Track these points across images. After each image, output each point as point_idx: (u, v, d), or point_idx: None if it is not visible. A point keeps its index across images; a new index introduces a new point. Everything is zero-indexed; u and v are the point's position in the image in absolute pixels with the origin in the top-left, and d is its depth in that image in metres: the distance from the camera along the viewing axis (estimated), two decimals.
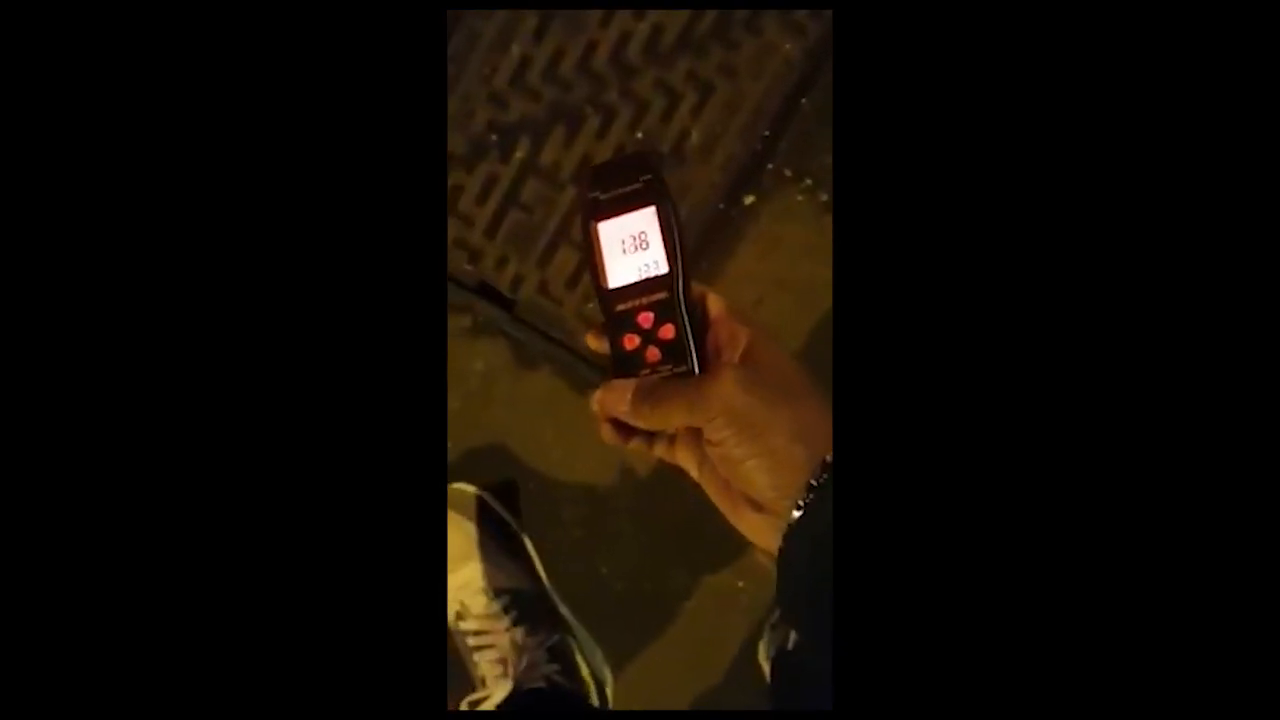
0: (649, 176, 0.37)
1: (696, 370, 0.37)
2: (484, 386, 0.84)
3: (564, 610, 0.82)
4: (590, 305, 0.78)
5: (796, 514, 0.34)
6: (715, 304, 0.39)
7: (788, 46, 0.72)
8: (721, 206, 0.76)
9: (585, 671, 0.75)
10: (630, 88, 0.73)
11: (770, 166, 0.77)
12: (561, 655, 0.72)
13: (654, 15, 0.72)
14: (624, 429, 0.38)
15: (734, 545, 0.85)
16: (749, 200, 0.77)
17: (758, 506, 0.35)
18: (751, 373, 0.35)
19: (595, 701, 0.77)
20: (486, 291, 0.79)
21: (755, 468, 0.34)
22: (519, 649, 0.70)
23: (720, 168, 0.75)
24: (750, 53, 0.73)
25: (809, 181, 0.77)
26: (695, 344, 0.37)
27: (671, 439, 0.39)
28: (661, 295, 0.37)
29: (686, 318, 0.37)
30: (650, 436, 0.39)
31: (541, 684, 0.69)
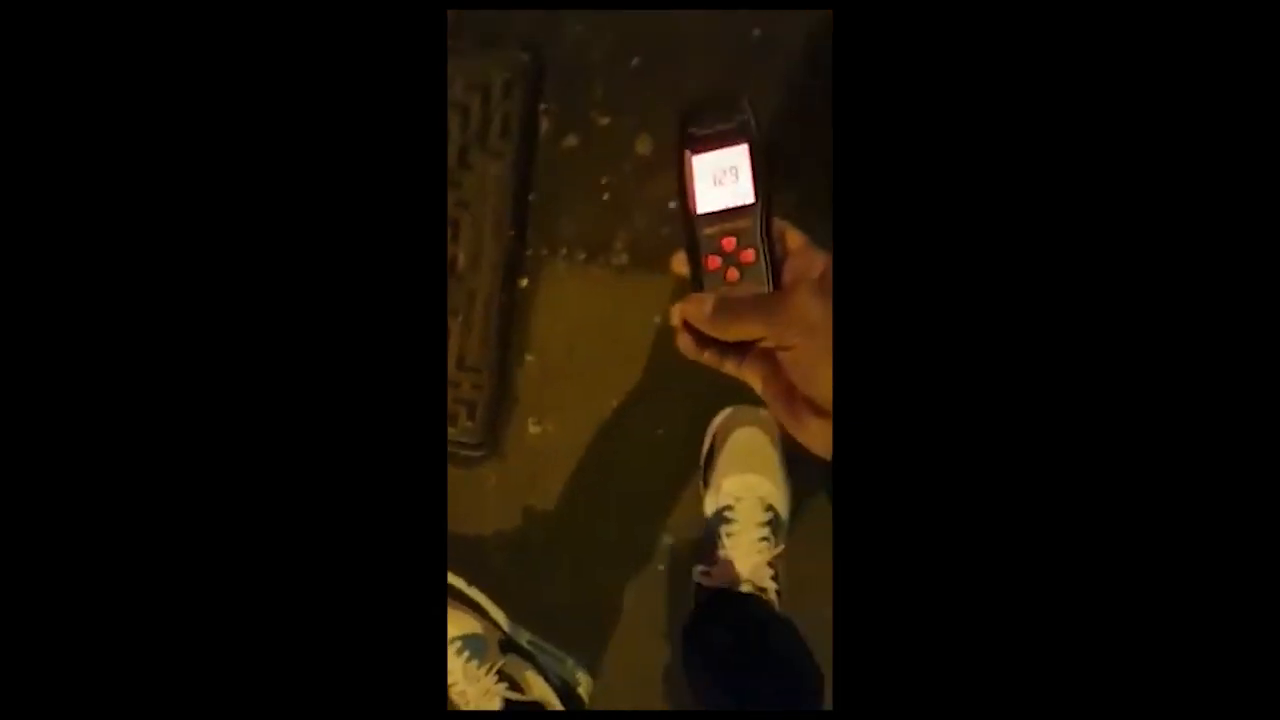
0: (743, 116, 0.40)
1: (770, 289, 0.40)
2: None
3: (524, 638, 1.02)
4: None
5: None
6: (794, 238, 0.41)
7: (494, 170, 0.92)
8: (503, 295, 0.96)
9: (537, 681, 0.95)
10: None
11: (529, 252, 0.97)
12: (508, 676, 0.92)
13: None
14: (700, 340, 0.41)
15: (628, 549, 1.05)
16: (524, 283, 0.97)
17: (820, 413, 0.38)
18: (825, 288, 0.37)
19: (558, 704, 0.97)
20: None
21: (827, 375, 0.36)
22: (472, 679, 0.90)
23: (491, 270, 0.95)
24: (473, 182, 0.93)
25: (563, 250, 0.97)
26: (772, 269, 0.40)
27: (741, 356, 0.41)
28: (745, 223, 0.40)
29: (766, 245, 0.40)
30: (722, 351, 0.41)
31: (498, 706, 0.89)
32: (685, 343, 0.41)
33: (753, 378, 0.41)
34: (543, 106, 0.93)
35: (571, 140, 0.94)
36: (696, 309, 0.40)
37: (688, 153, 0.41)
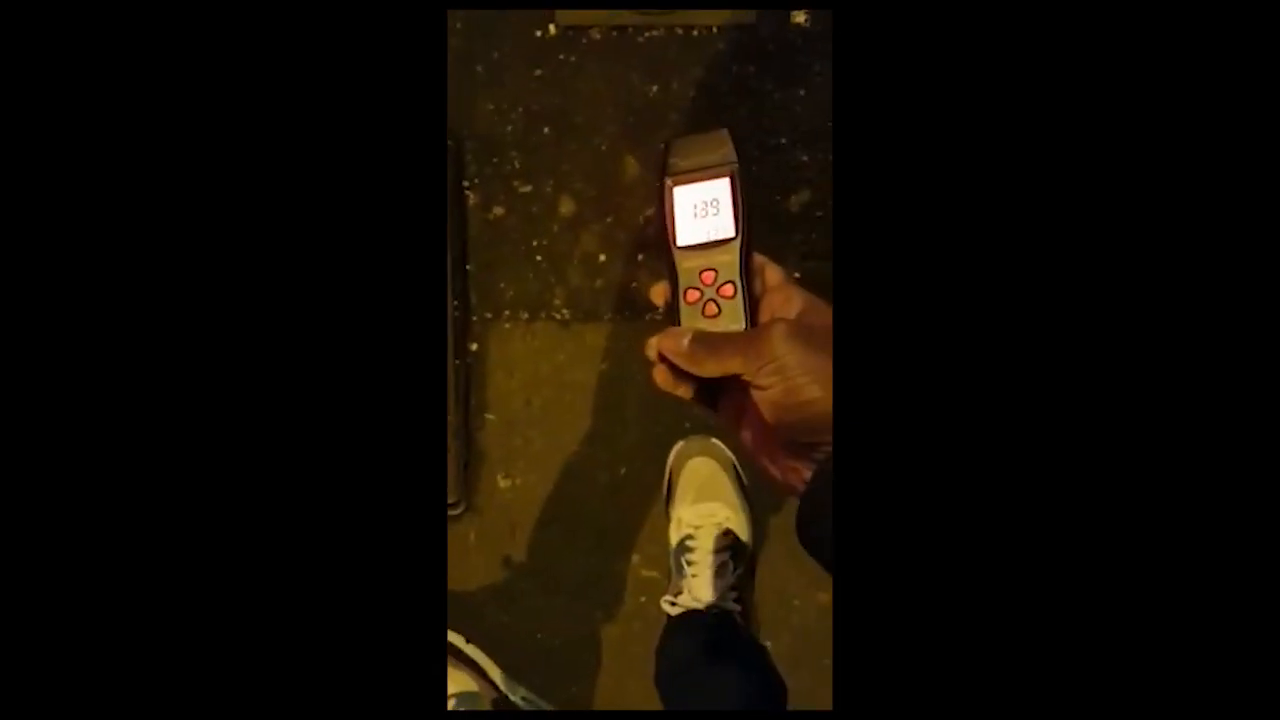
0: (726, 149, 0.41)
1: (747, 325, 0.40)
2: None
3: (519, 694, 1.06)
4: None
5: (821, 458, 0.37)
6: (773, 274, 0.41)
7: None
8: (456, 361, 1.02)
9: None
10: None
11: (474, 319, 1.02)
12: None
13: None
14: (676, 375, 0.41)
15: (607, 585, 1.09)
16: (474, 347, 1.03)
17: (793, 451, 0.38)
18: (800, 329, 0.38)
19: None
20: None
21: (800, 416, 0.37)
22: None
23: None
24: None
25: (506, 312, 1.03)
26: (750, 305, 0.40)
27: (718, 391, 0.41)
28: (725, 258, 0.40)
29: (745, 280, 0.40)
30: (698, 386, 0.41)
31: None
32: (662, 376, 0.41)
33: (727, 413, 0.41)
34: (466, 183, 0.99)
35: (498, 210, 1.00)
36: (673, 343, 0.40)
37: (669, 183, 0.41)
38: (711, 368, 0.39)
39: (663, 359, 0.41)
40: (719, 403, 0.41)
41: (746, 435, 0.41)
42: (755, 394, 0.38)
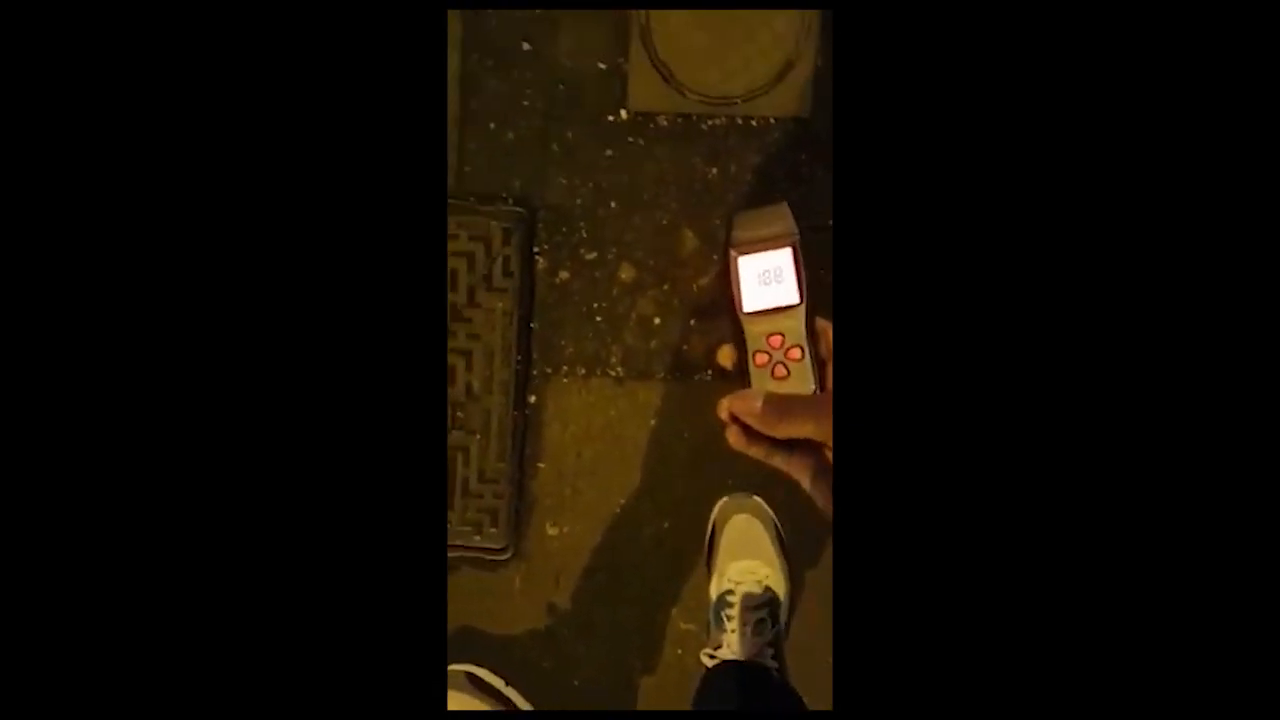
0: (787, 223, 0.43)
1: (816, 388, 0.42)
2: None
3: None
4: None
5: None
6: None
7: (499, 305, 1.06)
8: (515, 412, 1.09)
9: None
10: None
11: (535, 373, 1.10)
12: None
13: None
14: (749, 435, 0.42)
15: (647, 636, 1.13)
16: (532, 399, 1.10)
17: None
18: None
19: None
20: None
21: None
22: None
23: (502, 391, 1.08)
24: (481, 317, 1.07)
25: (565, 368, 1.10)
26: (817, 366, 0.43)
27: (790, 452, 0.42)
28: (790, 323, 0.42)
29: (811, 343, 0.42)
30: (771, 446, 0.42)
31: None
32: (735, 436, 0.42)
33: (800, 474, 0.42)
34: (536, 249, 1.08)
35: (564, 274, 1.08)
36: (746, 405, 0.41)
37: (734, 254, 0.44)
38: (784, 430, 0.40)
39: (735, 420, 0.42)
40: (792, 462, 0.42)
41: (819, 494, 0.41)
42: (829, 454, 0.40)
